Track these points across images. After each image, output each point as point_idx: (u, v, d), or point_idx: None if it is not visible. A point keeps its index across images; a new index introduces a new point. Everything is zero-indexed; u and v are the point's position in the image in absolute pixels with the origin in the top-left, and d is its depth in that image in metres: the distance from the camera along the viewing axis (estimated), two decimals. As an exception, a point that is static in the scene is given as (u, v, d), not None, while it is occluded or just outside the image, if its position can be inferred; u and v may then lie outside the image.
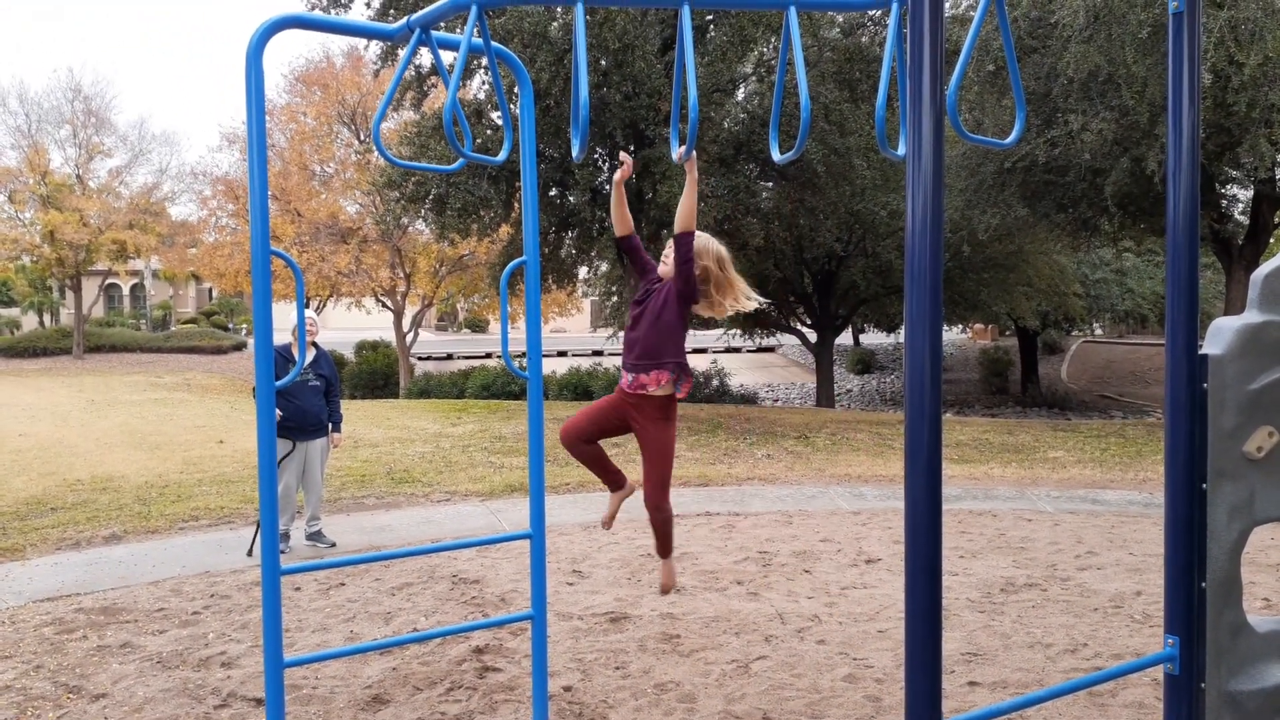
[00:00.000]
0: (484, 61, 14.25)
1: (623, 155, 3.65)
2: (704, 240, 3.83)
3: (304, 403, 7.50)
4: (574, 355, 34.84)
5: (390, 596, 6.33)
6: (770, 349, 40.95)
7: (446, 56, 5.95)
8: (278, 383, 3.99)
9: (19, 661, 5.15)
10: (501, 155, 3.60)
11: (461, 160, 3.67)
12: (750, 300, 3.85)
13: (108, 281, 42.16)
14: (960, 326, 38.07)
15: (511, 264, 4.24)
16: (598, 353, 34.41)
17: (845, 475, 11.05)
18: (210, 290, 56.62)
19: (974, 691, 4.66)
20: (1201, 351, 2.47)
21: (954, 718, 2.08)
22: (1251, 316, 2.50)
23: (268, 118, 5.36)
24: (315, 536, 7.71)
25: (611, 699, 4.61)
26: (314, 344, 7.66)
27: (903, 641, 2.42)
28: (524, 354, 3.89)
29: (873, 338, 41.43)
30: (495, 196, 15.18)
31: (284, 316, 6.45)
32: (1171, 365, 2.51)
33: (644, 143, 15.12)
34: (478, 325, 53.72)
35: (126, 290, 56.69)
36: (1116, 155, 13.97)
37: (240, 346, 37.77)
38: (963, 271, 22.86)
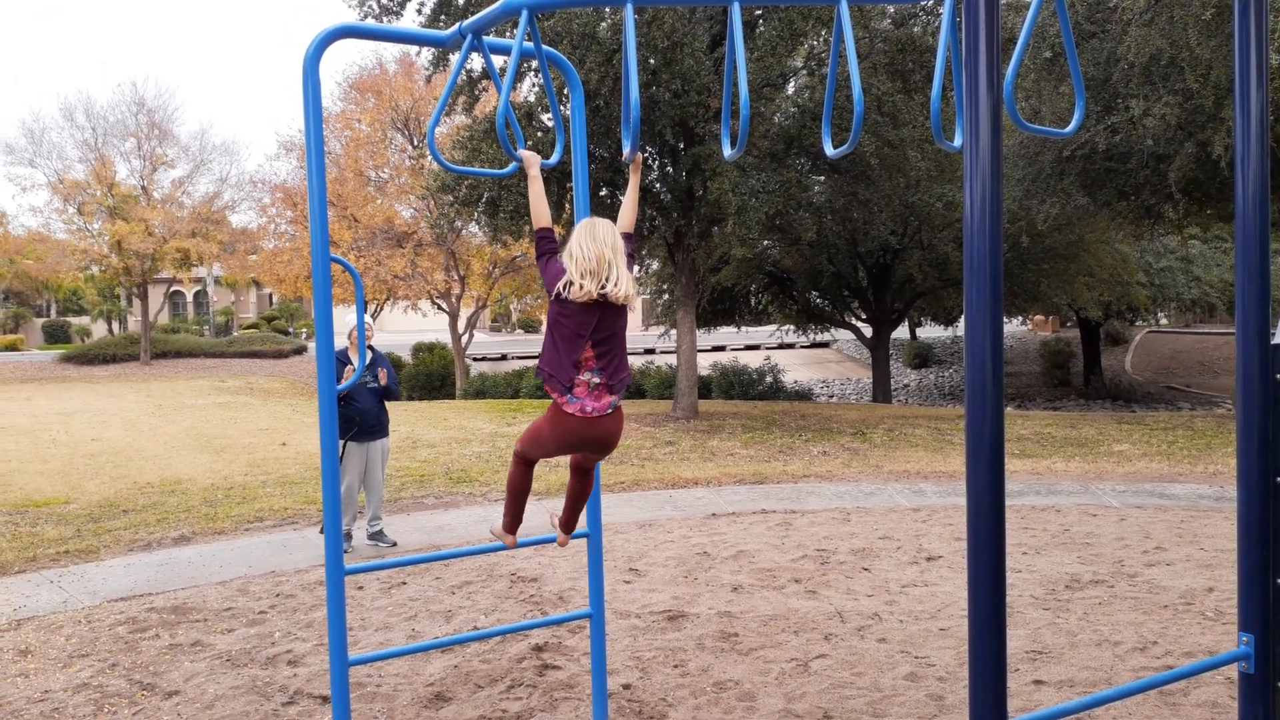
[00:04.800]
0: (534, 64, 14.34)
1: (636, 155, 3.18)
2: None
3: (363, 404, 7.62)
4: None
5: (450, 595, 6.41)
6: (825, 344, 40.63)
7: (497, 60, 5.99)
8: (338, 386, 4.07)
9: (95, 660, 5.31)
10: (554, 158, 3.62)
11: (514, 164, 3.70)
12: None
13: (172, 289, 43.30)
14: (1020, 318, 37.42)
15: (564, 264, 4.25)
16: (650, 350, 34.43)
17: (904, 471, 10.92)
18: (270, 295, 57.87)
19: (1040, 690, 4.58)
20: (1275, 341, 2.40)
21: (1020, 717, 2.05)
22: (1327, 303, 2.42)
23: (323, 125, 5.44)
24: (377, 536, 7.84)
25: (671, 697, 4.61)
26: (370, 347, 7.79)
27: (965, 639, 2.39)
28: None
29: (930, 331, 40.90)
30: (547, 198, 15.25)
31: (341, 320, 6.58)
32: (1242, 355, 2.45)
33: (694, 140, 15.10)
34: (531, 325, 54.16)
35: (190, 297, 58.21)
36: (1180, 140, 13.59)
37: (301, 350, 38.47)
38: (1022, 262, 22.50)
